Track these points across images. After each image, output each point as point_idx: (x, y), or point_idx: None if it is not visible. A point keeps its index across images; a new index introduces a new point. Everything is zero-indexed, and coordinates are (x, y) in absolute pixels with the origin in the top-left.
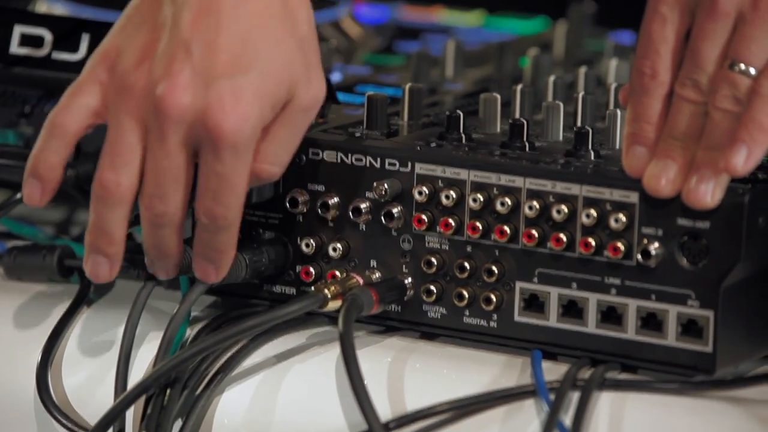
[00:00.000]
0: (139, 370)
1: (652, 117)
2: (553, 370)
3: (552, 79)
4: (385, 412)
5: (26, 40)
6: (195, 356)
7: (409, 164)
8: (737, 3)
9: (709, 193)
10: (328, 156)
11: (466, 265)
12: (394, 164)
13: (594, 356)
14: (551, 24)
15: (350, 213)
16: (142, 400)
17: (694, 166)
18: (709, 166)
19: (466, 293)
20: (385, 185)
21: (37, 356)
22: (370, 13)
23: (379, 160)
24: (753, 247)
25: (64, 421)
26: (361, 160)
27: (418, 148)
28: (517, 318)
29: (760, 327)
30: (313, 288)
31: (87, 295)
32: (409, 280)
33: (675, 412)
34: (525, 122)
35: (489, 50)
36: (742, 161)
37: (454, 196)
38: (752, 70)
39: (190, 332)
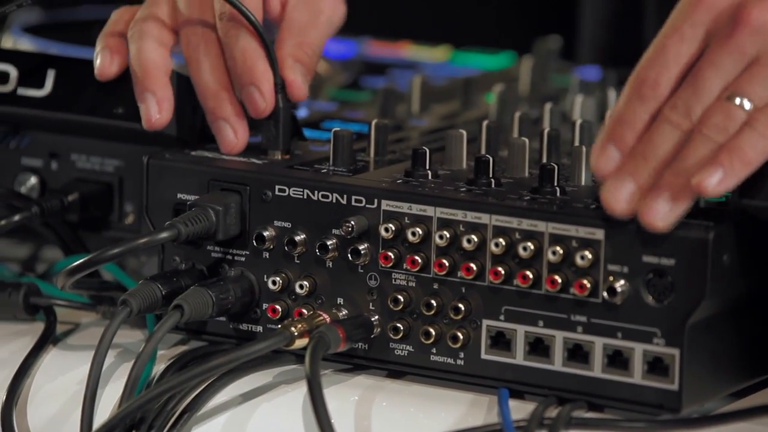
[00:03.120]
0: (105, 409)
1: (637, 124)
2: (521, 409)
3: (517, 114)
4: None
5: None
6: (161, 396)
7: (376, 201)
8: (759, 45)
9: (661, 215)
10: (295, 192)
11: (433, 302)
12: (361, 201)
13: (561, 394)
14: (517, 59)
15: (317, 250)
16: None
17: (657, 185)
18: (672, 189)
19: (432, 331)
20: (352, 222)
21: (2, 395)
22: (337, 48)
23: (345, 196)
24: (718, 284)
25: None
26: (327, 196)
27: (384, 184)
28: (483, 356)
29: (726, 365)
30: (279, 326)
31: (53, 333)
32: (376, 317)
33: None
34: (490, 158)
35: (455, 86)
36: (715, 183)
37: (421, 233)
38: (748, 105)
39: (157, 371)
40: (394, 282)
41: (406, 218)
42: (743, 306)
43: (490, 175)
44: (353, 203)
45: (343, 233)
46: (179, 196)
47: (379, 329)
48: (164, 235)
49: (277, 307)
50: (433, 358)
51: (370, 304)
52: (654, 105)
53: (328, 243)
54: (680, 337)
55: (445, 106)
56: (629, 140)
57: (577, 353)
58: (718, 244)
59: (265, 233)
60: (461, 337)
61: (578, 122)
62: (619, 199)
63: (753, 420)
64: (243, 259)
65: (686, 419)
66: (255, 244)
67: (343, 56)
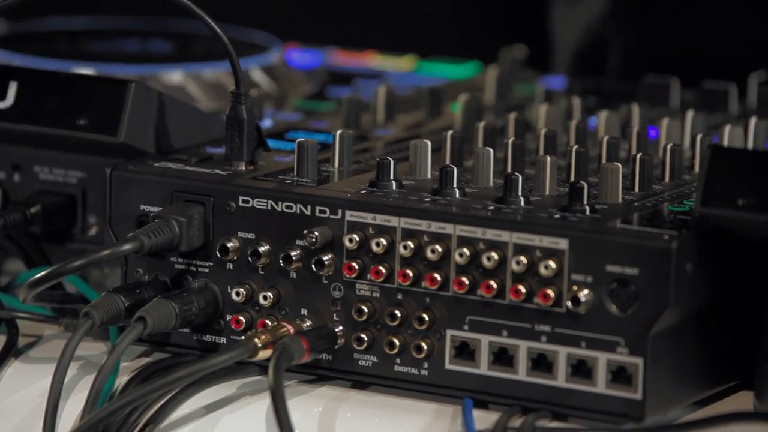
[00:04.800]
0: (67, 422)
1: None
2: (485, 419)
3: (482, 124)
4: None
5: None
6: (124, 408)
7: (340, 212)
8: None
9: None
10: (258, 203)
11: (397, 312)
12: (325, 212)
13: (525, 404)
14: (482, 69)
15: (281, 261)
16: None
17: None
18: None
19: (397, 341)
20: (316, 233)
21: None
22: (302, 58)
23: (309, 207)
24: (681, 293)
25: None
26: (291, 207)
27: (349, 195)
28: (448, 366)
29: (690, 373)
30: (243, 337)
31: (15, 345)
32: (340, 328)
33: None
34: (455, 169)
35: (420, 95)
36: None
37: (385, 243)
38: None
39: (120, 383)
40: (358, 293)
41: (370, 229)
42: (706, 314)
43: (455, 185)
44: (317, 214)
45: (307, 244)
46: (142, 207)
47: (343, 340)
48: (127, 246)
49: (241, 318)
50: (398, 368)
51: (334, 314)
52: None
53: (292, 254)
54: (644, 347)
55: (411, 116)
56: None
57: (541, 363)
58: (681, 253)
59: (229, 244)
60: (425, 347)
61: (542, 132)
62: None
63: (716, 428)
64: (206, 270)
65: (649, 428)
66: (219, 255)
67: (308, 66)
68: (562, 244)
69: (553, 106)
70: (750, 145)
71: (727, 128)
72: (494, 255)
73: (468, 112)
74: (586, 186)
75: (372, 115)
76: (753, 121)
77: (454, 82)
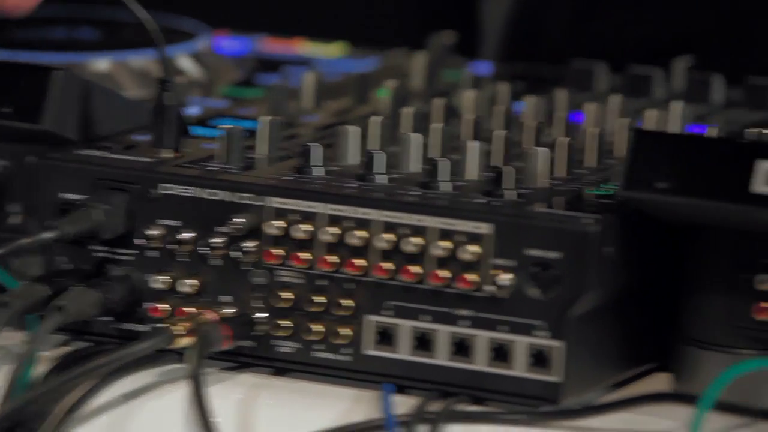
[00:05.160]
0: None
1: None
2: (405, 404)
3: (409, 110)
4: None
5: None
6: (42, 397)
7: (264, 198)
8: None
9: None
10: (182, 190)
11: (319, 299)
12: (249, 198)
13: (445, 389)
14: (410, 55)
15: (203, 248)
16: None
17: None
18: None
19: (318, 328)
20: (239, 220)
21: None
22: (231, 45)
23: (232, 194)
24: (602, 276)
25: None
26: (215, 194)
27: (272, 181)
28: (369, 352)
29: (609, 355)
30: (164, 325)
31: None
32: (262, 315)
33: None
34: (381, 154)
35: (348, 82)
36: None
37: (309, 229)
38: None
39: (40, 372)
40: (280, 279)
41: (293, 215)
42: (626, 297)
43: (380, 171)
44: (240, 201)
45: (230, 231)
46: (65, 195)
47: (265, 327)
48: (49, 235)
49: (163, 306)
50: (319, 354)
51: (256, 301)
52: None
53: (215, 241)
54: (564, 330)
55: (338, 103)
56: None
57: (462, 347)
58: (602, 237)
59: (152, 232)
60: (347, 333)
61: (468, 117)
62: None
63: (633, 409)
64: (129, 258)
65: (567, 410)
66: (141, 242)
67: (236, 53)
68: (485, 228)
69: (481, 91)
70: (673, 129)
71: (651, 112)
72: (417, 240)
73: (395, 98)
74: (509, 170)
75: (299, 101)
76: (676, 105)
77: (382, 69)
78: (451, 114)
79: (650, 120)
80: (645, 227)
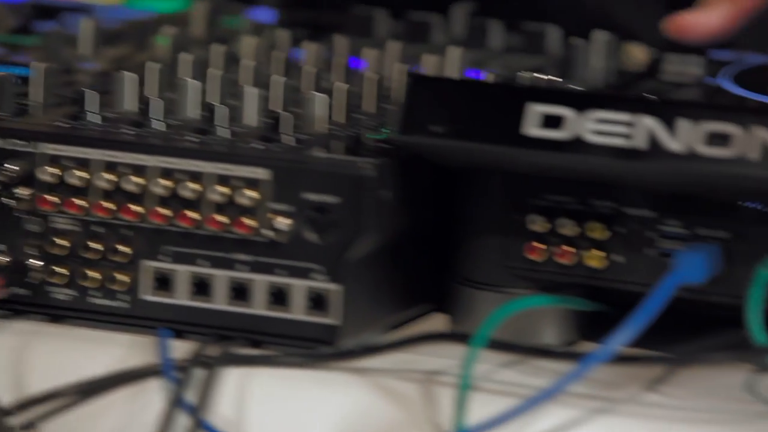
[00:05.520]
0: None
1: None
2: (182, 349)
3: (187, 56)
4: (8, 396)
5: None
6: None
7: (37, 145)
8: None
9: None
10: None
11: (95, 246)
12: (21, 145)
13: (224, 333)
14: (191, 2)
15: None
16: None
17: None
18: None
19: (94, 275)
20: (12, 166)
21: None
22: None
23: (4, 140)
24: (378, 220)
25: None
26: None
27: (46, 128)
28: (146, 297)
29: (385, 299)
30: None
31: None
32: (36, 262)
33: (300, 385)
34: (158, 101)
35: (128, 29)
36: None
37: (84, 176)
38: None
39: None
40: (55, 226)
41: (68, 162)
42: (404, 240)
43: (158, 118)
44: (13, 147)
45: (2, 178)
46: None
47: (39, 274)
48: None
49: None
50: (96, 301)
51: (31, 249)
52: None
53: None
54: (341, 273)
55: (117, 50)
56: None
57: (241, 292)
58: (378, 180)
59: None
60: (124, 279)
61: (247, 63)
62: None
63: (410, 349)
64: None
65: (345, 351)
66: None
67: (13, 0)
68: (262, 173)
69: (260, 38)
70: (451, 74)
71: (429, 58)
72: (194, 186)
73: (175, 44)
74: (287, 116)
75: (77, 48)
76: (454, 50)
77: (162, 16)
78: (231, 61)
79: (428, 65)
80: (422, 170)
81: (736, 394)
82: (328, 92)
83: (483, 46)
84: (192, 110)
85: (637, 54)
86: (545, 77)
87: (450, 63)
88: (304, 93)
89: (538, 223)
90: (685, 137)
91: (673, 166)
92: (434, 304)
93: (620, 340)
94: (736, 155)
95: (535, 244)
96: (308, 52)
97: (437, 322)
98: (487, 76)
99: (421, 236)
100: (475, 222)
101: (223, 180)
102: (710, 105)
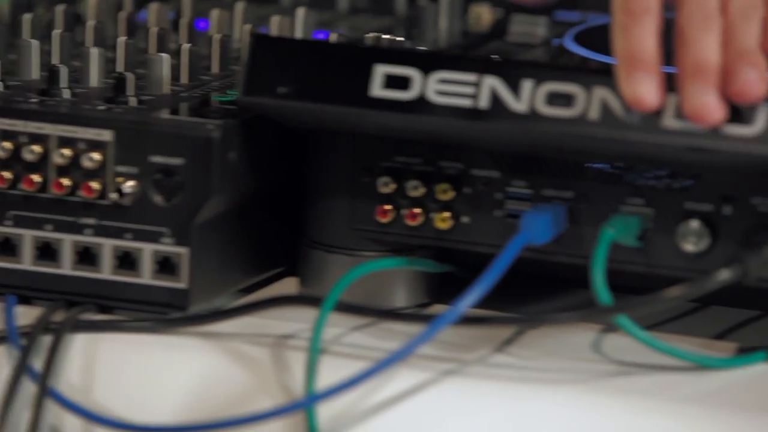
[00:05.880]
0: None
1: (650, 49)
2: (29, 315)
3: (29, 16)
4: None
5: None
6: None
7: None
8: None
9: (756, 84)
10: None
11: None
12: None
13: (71, 299)
14: None
15: None
16: None
17: (729, 70)
18: (746, 60)
19: None
20: None
21: None
22: None
23: None
24: (225, 182)
25: None
26: None
27: None
28: None
29: (236, 262)
30: None
31: None
32: None
33: (149, 350)
34: None
35: None
36: None
37: None
38: None
39: None
40: None
41: None
42: (253, 203)
43: None
44: None
45: None
46: None
47: None
48: None
49: None
50: None
51: None
52: (653, 22)
53: None
54: (188, 236)
55: None
56: (651, 64)
57: (87, 256)
58: (224, 142)
59: None
60: None
61: (91, 24)
62: (712, 105)
63: (261, 313)
64: None
65: (195, 316)
66: None
67: None
68: (106, 135)
69: None
70: (298, 35)
71: (276, 18)
72: (37, 148)
73: (17, 4)
74: (131, 77)
75: None
76: (300, 11)
77: None
78: (76, 21)
79: (275, 26)
80: (269, 132)
81: (584, 353)
82: (174, 53)
83: (330, 7)
84: (34, 71)
85: (484, 14)
86: (390, 38)
87: (298, 24)
88: (148, 54)
89: (386, 185)
90: (528, 97)
91: (516, 126)
92: (286, 267)
93: (468, 301)
94: (577, 115)
95: (384, 206)
96: (152, 12)
97: (290, 285)
98: (332, 36)
99: (271, 199)
100: (324, 184)
101: (67, 142)
102: (552, 66)
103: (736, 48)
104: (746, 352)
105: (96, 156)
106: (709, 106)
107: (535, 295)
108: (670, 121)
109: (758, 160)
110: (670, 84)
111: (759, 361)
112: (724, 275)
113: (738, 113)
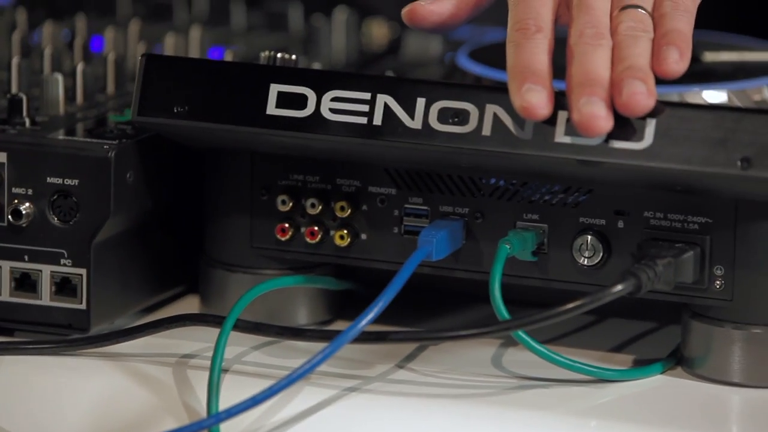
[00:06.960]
0: None
1: (541, 65)
2: None
3: None
4: None
5: None
6: None
7: None
8: None
9: (644, 98)
10: None
11: None
12: None
13: None
14: None
15: None
16: None
17: (617, 83)
18: (634, 75)
19: None
20: None
21: None
22: None
23: None
24: (123, 202)
25: None
26: None
27: None
28: None
29: (135, 282)
30: None
31: None
32: None
33: (50, 372)
34: None
35: None
36: (676, 59)
37: None
38: (644, 10)
39: None
40: None
41: None
42: (152, 222)
43: None
44: None
45: None
46: None
47: None
48: None
49: None
50: None
51: None
52: (545, 40)
53: None
54: (86, 257)
55: None
56: (542, 77)
57: None
58: (120, 162)
59: None
60: None
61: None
62: (600, 115)
63: (161, 333)
64: None
65: (94, 337)
66: None
67: None
68: (1, 157)
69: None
70: (194, 53)
71: (171, 37)
72: None
73: None
74: (24, 98)
75: None
76: (195, 29)
77: None
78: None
79: (170, 45)
80: (167, 151)
81: (484, 368)
82: (70, 73)
83: (226, 24)
84: None
85: (379, 32)
86: (285, 55)
87: (193, 42)
88: (43, 75)
89: (284, 204)
90: (421, 115)
91: (410, 143)
92: (187, 286)
93: (368, 318)
94: (470, 131)
95: (283, 224)
96: (47, 33)
97: (191, 304)
98: (227, 54)
99: (170, 218)
100: (222, 203)
101: None
102: (445, 83)
103: (625, 64)
104: (643, 364)
105: None
106: (597, 117)
107: (435, 310)
108: (560, 137)
109: (647, 173)
110: (563, 102)
111: (655, 372)
112: (619, 288)
113: (627, 128)
